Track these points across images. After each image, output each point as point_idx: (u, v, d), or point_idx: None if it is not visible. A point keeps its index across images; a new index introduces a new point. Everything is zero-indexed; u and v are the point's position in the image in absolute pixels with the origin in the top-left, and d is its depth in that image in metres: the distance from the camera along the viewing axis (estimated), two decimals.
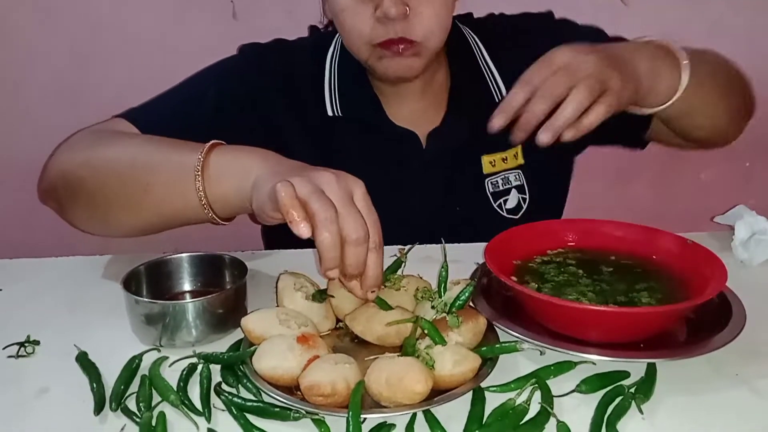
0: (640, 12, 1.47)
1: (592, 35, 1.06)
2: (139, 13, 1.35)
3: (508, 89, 1.04)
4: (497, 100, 1.05)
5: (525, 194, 1.08)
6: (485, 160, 1.07)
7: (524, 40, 1.06)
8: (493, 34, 1.08)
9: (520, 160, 1.08)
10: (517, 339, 0.70)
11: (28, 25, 1.35)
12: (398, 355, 0.66)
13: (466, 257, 0.88)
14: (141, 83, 1.36)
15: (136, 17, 1.36)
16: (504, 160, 1.08)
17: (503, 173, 1.08)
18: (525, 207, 1.08)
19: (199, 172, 0.79)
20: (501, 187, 1.08)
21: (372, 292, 0.71)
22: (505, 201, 1.08)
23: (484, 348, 0.68)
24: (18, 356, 0.74)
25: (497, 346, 0.69)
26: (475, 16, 1.14)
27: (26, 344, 0.75)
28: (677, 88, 0.87)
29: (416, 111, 1.06)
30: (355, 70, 1.03)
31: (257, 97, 1.03)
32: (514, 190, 1.08)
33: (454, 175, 1.06)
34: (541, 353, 0.68)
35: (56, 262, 0.97)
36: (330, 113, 1.04)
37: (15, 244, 1.43)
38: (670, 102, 0.88)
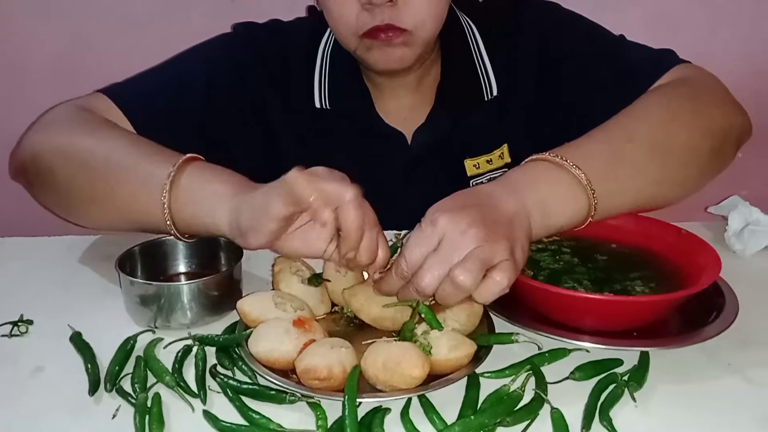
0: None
1: (578, 27, 1.03)
2: None
3: (499, 86, 1.03)
4: (486, 99, 1.03)
5: None
6: (468, 163, 1.05)
7: (516, 30, 1.03)
8: (490, 22, 1.04)
9: (507, 159, 1.06)
10: (511, 325, 0.71)
11: (28, 7, 1.33)
12: (395, 340, 0.66)
13: None
14: (140, 66, 1.35)
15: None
16: (489, 161, 1.06)
17: (489, 174, 1.05)
18: None
19: (167, 189, 0.76)
20: None
21: (380, 273, 0.71)
22: None
23: (480, 337, 0.68)
24: (11, 335, 0.74)
25: (493, 336, 0.69)
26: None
27: (19, 323, 0.75)
28: (584, 206, 0.75)
29: (407, 106, 1.04)
30: (347, 61, 1.00)
31: (247, 81, 1.01)
32: None
33: (439, 173, 1.04)
34: (540, 348, 0.68)
35: (49, 241, 0.97)
36: (318, 105, 1.02)
37: (8, 223, 1.42)
38: (589, 220, 0.77)
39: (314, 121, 1.04)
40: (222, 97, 1.00)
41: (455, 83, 1.03)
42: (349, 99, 1.03)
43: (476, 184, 1.05)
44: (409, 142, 1.04)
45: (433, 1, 0.90)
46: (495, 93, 1.03)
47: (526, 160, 0.78)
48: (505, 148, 1.06)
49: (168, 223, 0.77)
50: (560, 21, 1.03)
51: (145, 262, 0.80)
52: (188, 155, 0.79)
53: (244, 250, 0.79)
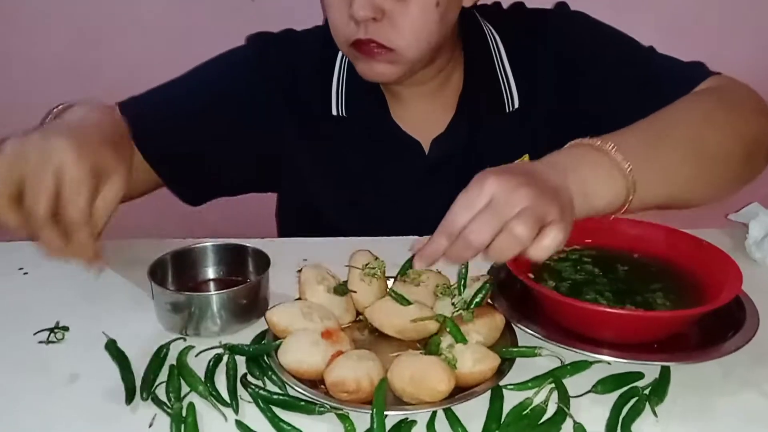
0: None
1: (603, 35, 1.03)
2: None
3: (520, 96, 1.03)
4: (508, 110, 1.03)
5: None
6: None
7: (539, 41, 1.03)
8: (513, 32, 1.04)
9: None
10: (534, 337, 0.72)
11: (32, 4, 1.35)
12: (422, 353, 0.68)
13: None
14: (147, 63, 1.37)
15: None
16: None
17: None
18: None
19: None
20: None
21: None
22: None
23: (503, 350, 0.70)
24: (48, 342, 0.76)
25: (515, 349, 0.71)
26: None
27: (56, 330, 0.77)
28: (622, 191, 0.75)
29: (425, 113, 1.04)
30: None
31: (261, 93, 1.03)
32: None
33: (455, 182, 1.04)
34: (562, 361, 0.70)
35: None
36: (334, 113, 1.03)
37: None
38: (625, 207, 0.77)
39: (330, 129, 1.04)
40: (225, 117, 1.02)
41: (477, 93, 1.03)
42: (365, 106, 1.03)
43: None
44: (427, 151, 1.04)
45: (420, 24, 0.89)
46: (516, 104, 1.03)
47: (568, 144, 0.78)
48: (525, 158, 1.06)
49: None
50: (585, 30, 1.03)
51: (175, 270, 0.82)
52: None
53: (270, 259, 0.81)
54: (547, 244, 0.65)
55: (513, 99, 1.03)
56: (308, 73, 1.04)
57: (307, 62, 1.05)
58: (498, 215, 0.64)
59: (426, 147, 1.04)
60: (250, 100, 1.03)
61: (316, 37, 1.06)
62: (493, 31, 1.05)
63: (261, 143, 1.05)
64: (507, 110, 1.04)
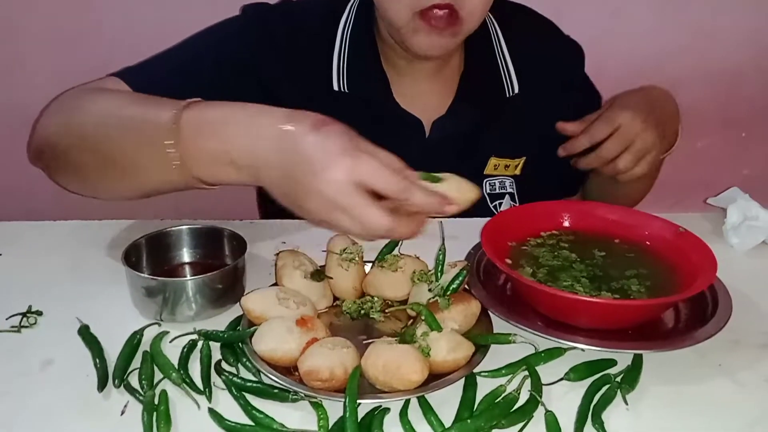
0: None
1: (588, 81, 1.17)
2: None
3: (520, 85, 1.06)
4: (507, 95, 1.05)
5: (516, 202, 1.10)
6: (492, 162, 1.07)
7: (546, 52, 1.09)
8: (516, 28, 1.05)
9: (517, 171, 1.09)
10: (509, 325, 0.72)
11: None
12: (396, 341, 0.68)
13: (463, 233, 0.88)
14: (137, 30, 1.34)
15: None
16: (506, 167, 1.09)
17: (500, 177, 1.09)
18: None
19: (175, 129, 0.72)
20: (497, 190, 1.09)
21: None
22: (500, 204, 1.08)
23: (478, 337, 0.70)
24: (21, 327, 0.75)
25: (490, 336, 0.71)
26: None
27: (29, 315, 0.76)
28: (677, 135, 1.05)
29: (424, 93, 1.04)
30: (366, 44, 1.00)
31: (258, 65, 1.00)
32: (507, 196, 1.09)
33: (454, 167, 1.06)
34: (536, 348, 0.70)
35: (55, 226, 0.97)
36: (336, 88, 1.01)
37: (8, 199, 1.43)
38: (674, 147, 1.06)
39: (329, 104, 1.01)
40: (231, 80, 0.99)
41: (477, 76, 1.04)
42: (367, 82, 1.02)
43: (489, 183, 1.08)
44: (427, 132, 1.04)
45: None
46: (516, 89, 1.05)
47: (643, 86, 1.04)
48: (522, 161, 1.09)
49: (175, 165, 0.73)
50: (581, 66, 1.16)
51: (150, 253, 0.81)
52: (190, 100, 0.75)
53: (247, 243, 0.80)
54: (638, 171, 0.97)
55: (513, 84, 1.05)
56: (307, 45, 1.02)
57: (306, 34, 1.02)
58: (626, 141, 0.95)
59: (427, 127, 1.04)
60: (252, 70, 1.00)
61: (315, 10, 1.04)
62: (492, 19, 1.06)
63: None
64: (507, 95, 1.05)
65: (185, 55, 1.01)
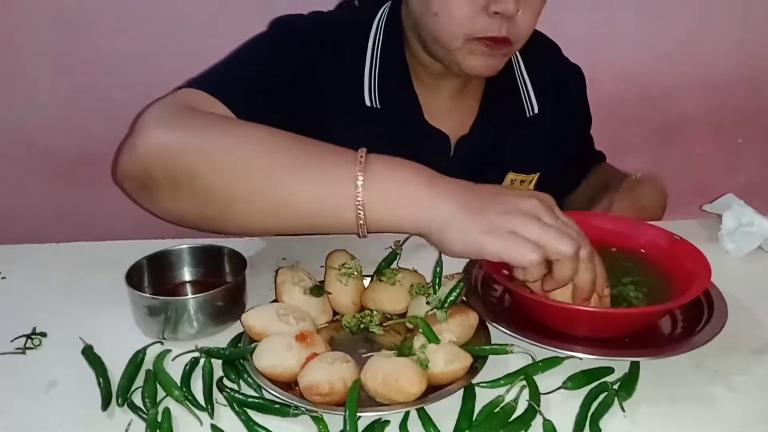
0: None
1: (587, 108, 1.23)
2: None
3: (540, 106, 1.09)
4: (528, 116, 1.08)
5: None
6: (509, 177, 1.09)
7: (556, 73, 1.14)
8: (531, 49, 1.04)
9: (531, 187, 1.12)
10: (506, 335, 0.73)
11: None
12: (395, 354, 0.69)
13: None
14: (132, 48, 1.36)
15: None
16: (522, 182, 1.11)
17: None
18: None
19: (360, 189, 0.71)
20: None
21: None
22: None
23: (476, 348, 0.71)
24: (25, 348, 0.76)
25: (488, 347, 0.71)
26: None
27: (33, 336, 0.77)
28: None
29: (448, 110, 1.05)
30: (396, 58, 1.00)
31: (315, 62, 0.98)
32: None
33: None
34: (533, 358, 0.71)
35: (56, 248, 0.99)
36: (368, 104, 1.01)
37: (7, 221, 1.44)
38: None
39: (361, 118, 1.02)
40: (299, 93, 0.97)
41: (500, 95, 1.06)
42: (398, 99, 1.02)
43: None
44: (452, 150, 1.05)
45: (534, 18, 0.93)
46: (536, 110, 1.08)
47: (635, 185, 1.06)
48: (536, 177, 1.11)
49: (361, 223, 0.72)
50: (584, 94, 1.21)
51: (152, 273, 0.82)
52: (362, 150, 0.74)
53: (247, 260, 0.81)
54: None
55: (533, 104, 1.08)
56: (341, 56, 1.01)
57: (346, 43, 1.01)
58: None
59: (452, 148, 1.05)
60: (310, 75, 0.98)
61: (347, 21, 1.04)
62: None
63: (317, 108, 1.01)
64: (527, 115, 1.08)
65: (250, 57, 0.97)
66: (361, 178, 0.71)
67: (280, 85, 0.95)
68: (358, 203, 0.71)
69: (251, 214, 0.76)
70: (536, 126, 1.10)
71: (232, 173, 0.75)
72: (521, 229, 0.68)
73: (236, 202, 0.76)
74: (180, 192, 0.78)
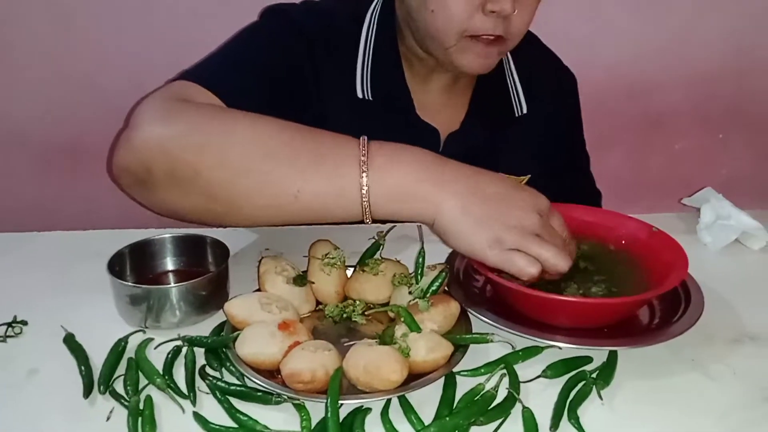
0: None
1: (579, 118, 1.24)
2: None
3: (528, 105, 1.09)
4: (516, 115, 1.08)
5: None
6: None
7: (549, 76, 1.14)
8: (522, 51, 1.04)
9: None
10: (488, 325, 0.74)
11: None
12: (377, 342, 0.69)
13: None
14: (123, 37, 1.35)
15: None
16: None
17: None
18: None
19: (365, 184, 0.73)
20: None
21: None
22: None
23: (457, 337, 0.72)
24: (6, 337, 0.76)
25: (469, 336, 0.72)
26: None
27: (14, 324, 0.77)
28: None
29: (439, 105, 1.05)
30: (389, 50, 1.00)
31: (309, 52, 0.98)
32: None
33: None
34: (513, 347, 0.72)
35: (38, 236, 0.98)
36: (360, 95, 1.01)
37: None
38: None
39: (354, 110, 1.02)
40: (291, 82, 0.97)
41: (489, 93, 1.07)
42: (391, 92, 1.02)
43: None
44: (441, 145, 1.05)
45: (531, 16, 0.93)
46: (525, 109, 1.08)
47: None
48: (526, 179, 1.11)
49: (366, 212, 0.75)
50: (576, 101, 1.21)
51: (134, 262, 0.82)
52: (363, 137, 0.76)
53: (229, 250, 0.81)
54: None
55: (521, 104, 1.08)
56: (334, 46, 1.00)
57: (336, 34, 1.01)
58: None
59: (442, 140, 1.06)
60: (300, 69, 0.98)
61: (337, 11, 1.03)
62: None
63: (310, 98, 1.01)
64: (516, 114, 1.08)
65: (242, 47, 0.97)
66: (365, 176, 0.74)
67: (274, 76, 0.95)
68: (363, 199, 0.74)
69: (256, 210, 0.78)
70: (526, 127, 1.10)
71: (233, 172, 0.75)
72: (524, 246, 0.72)
73: (240, 199, 0.77)
74: (181, 189, 0.78)
